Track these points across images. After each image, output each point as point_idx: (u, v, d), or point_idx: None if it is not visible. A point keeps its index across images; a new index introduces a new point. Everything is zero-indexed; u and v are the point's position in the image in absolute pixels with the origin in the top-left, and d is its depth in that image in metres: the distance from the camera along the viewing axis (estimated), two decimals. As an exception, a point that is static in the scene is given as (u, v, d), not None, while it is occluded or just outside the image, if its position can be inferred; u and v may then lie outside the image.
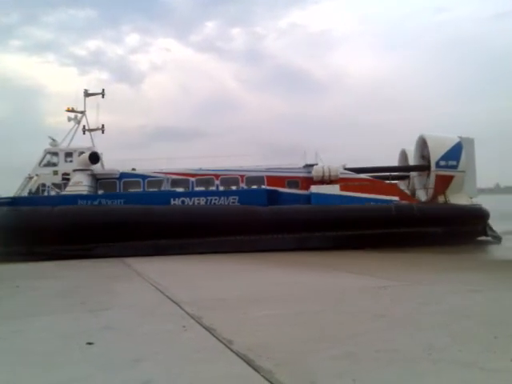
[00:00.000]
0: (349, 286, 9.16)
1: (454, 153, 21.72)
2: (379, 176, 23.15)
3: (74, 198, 20.07)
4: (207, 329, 5.73)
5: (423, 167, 23.01)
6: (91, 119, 24.23)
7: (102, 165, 23.39)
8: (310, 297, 8.09)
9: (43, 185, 21.62)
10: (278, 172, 22.17)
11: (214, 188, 21.85)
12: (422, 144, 22.91)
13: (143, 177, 22.06)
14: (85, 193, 20.86)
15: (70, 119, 23.58)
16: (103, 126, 24.42)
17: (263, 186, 21.47)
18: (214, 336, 5.40)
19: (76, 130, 23.69)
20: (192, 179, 21.99)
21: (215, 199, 20.39)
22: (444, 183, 21.69)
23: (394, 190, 21.61)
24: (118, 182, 22.02)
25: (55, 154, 22.50)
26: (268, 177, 21.90)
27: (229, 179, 22.08)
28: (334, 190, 20.76)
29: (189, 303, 7.44)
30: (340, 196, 20.57)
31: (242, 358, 4.52)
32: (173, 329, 5.86)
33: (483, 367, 4.11)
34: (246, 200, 20.13)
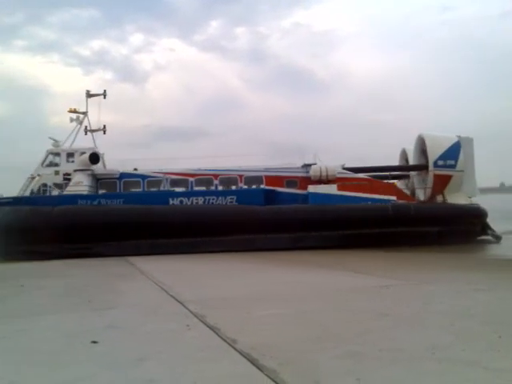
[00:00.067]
0: (352, 285, 9.17)
1: (452, 152, 21.78)
2: (379, 175, 23.23)
3: (74, 198, 20.33)
4: (211, 328, 5.74)
5: (421, 167, 23.11)
6: (94, 119, 24.42)
7: (104, 165, 23.73)
8: (313, 296, 8.09)
9: (44, 185, 21.93)
10: (276, 172, 22.40)
11: (213, 188, 22.00)
12: (421, 143, 22.94)
13: (143, 177, 22.37)
14: (85, 193, 21.13)
15: (72, 120, 23.92)
16: (105, 126, 24.76)
17: (262, 186, 21.59)
18: (218, 335, 5.40)
19: (78, 131, 24.09)
20: (191, 179, 22.24)
21: (213, 199, 20.61)
22: (442, 183, 21.74)
23: (392, 190, 21.67)
24: (118, 181, 22.30)
25: (57, 154, 22.86)
26: (267, 176, 22.10)
27: (228, 179, 22.31)
28: (331, 189, 20.94)
29: (192, 302, 7.45)
30: (337, 196, 20.72)
31: (245, 357, 4.53)
32: (176, 328, 5.87)
33: (487, 366, 4.10)
34: (243, 200, 20.34)
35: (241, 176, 22.20)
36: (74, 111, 24.04)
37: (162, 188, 21.90)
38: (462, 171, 21.73)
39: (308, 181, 21.67)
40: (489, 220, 22.26)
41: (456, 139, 22.08)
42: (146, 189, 22.17)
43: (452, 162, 21.67)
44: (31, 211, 19.00)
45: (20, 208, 19.58)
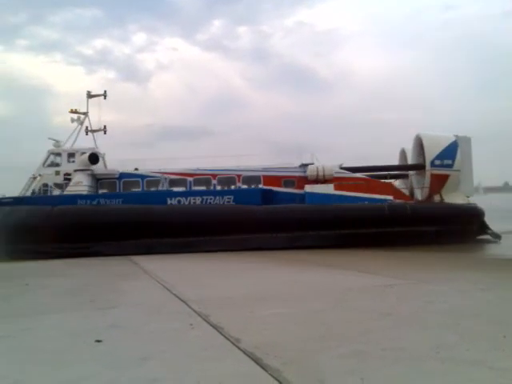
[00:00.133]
0: (354, 285, 9.14)
1: (450, 152, 21.78)
2: (378, 175, 23.28)
3: (74, 198, 20.58)
4: (214, 327, 5.74)
5: (418, 166, 23.15)
6: (96, 119, 24.60)
7: (105, 165, 24.01)
8: (315, 295, 8.08)
9: (45, 185, 22.21)
10: (274, 171, 22.54)
11: (211, 187, 22.23)
12: (419, 143, 22.96)
13: (142, 177, 22.62)
14: (85, 193, 21.39)
15: (73, 120, 24.22)
16: (105, 126, 25.02)
17: (260, 186, 21.74)
18: (222, 334, 5.41)
19: (79, 131, 24.32)
20: (190, 179, 22.47)
21: (211, 199, 20.74)
22: (439, 182, 21.75)
23: (389, 190, 21.69)
24: (117, 181, 22.52)
25: (58, 154, 23.13)
26: (265, 176, 22.26)
27: (226, 179, 22.51)
28: (328, 189, 21.05)
29: (196, 301, 7.45)
30: (334, 195, 20.85)
31: (249, 357, 4.53)
32: (180, 327, 5.87)
33: (492, 366, 4.09)
34: (240, 199, 20.48)
35: (239, 176, 22.36)
36: (75, 112, 24.27)
37: (160, 188, 22.05)
38: (459, 171, 21.74)
39: (305, 180, 21.80)
40: (490, 219, 22.23)
41: (453, 139, 22.08)
42: (145, 189, 22.39)
43: (449, 162, 21.68)
44: (30, 211, 19.22)
45: (20, 208, 19.83)
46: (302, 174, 22.15)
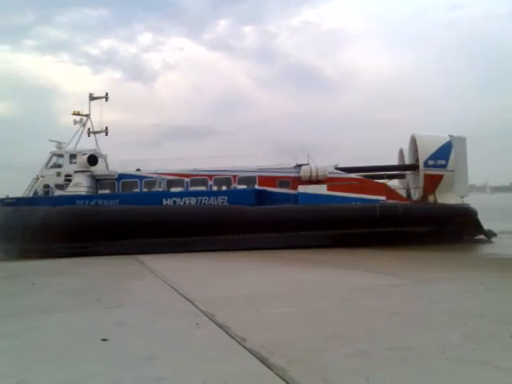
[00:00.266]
0: (359, 284, 9.12)
1: (443, 152, 21.73)
2: (375, 175, 23.34)
3: (73, 199, 21.09)
4: (221, 326, 5.76)
5: (412, 166, 23.19)
6: (98, 121, 24.90)
7: (107, 165, 24.46)
8: (320, 295, 8.07)
9: (47, 186, 22.67)
10: (269, 172, 22.74)
11: (207, 188, 22.47)
12: (414, 143, 22.95)
13: (140, 177, 23.01)
14: (83, 193, 21.80)
15: (75, 122, 24.59)
16: (107, 128, 25.38)
17: (256, 186, 21.94)
18: (228, 333, 5.42)
19: (82, 133, 24.67)
20: (187, 179, 22.73)
21: (205, 199, 21.01)
22: (433, 182, 21.72)
23: (382, 190, 21.69)
24: (116, 182, 22.90)
25: (60, 155, 23.62)
26: (260, 177, 22.46)
27: (222, 179, 22.77)
28: (321, 189, 21.17)
29: (202, 301, 7.47)
30: (327, 196, 20.93)
31: (255, 356, 4.54)
32: (186, 326, 5.89)
33: (498, 366, 4.07)
34: (234, 200, 20.70)
35: (235, 176, 22.59)
36: (78, 114, 24.66)
37: (158, 188, 22.36)
38: (453, 171, 21.67)
39: (299, 181, 21.87)
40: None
41: (447, 139, 22.02)
42: (143, 189, 22.75)
43: (443, 162, 21.62)
44: (30, 211, 19.70)
45: (20, 208, 20.46)
46: (296, 175, 22.32)
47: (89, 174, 22.64)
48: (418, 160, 22.27)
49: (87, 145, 24.54)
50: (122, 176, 23.03)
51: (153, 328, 5.91)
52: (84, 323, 6.32)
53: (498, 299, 7.36)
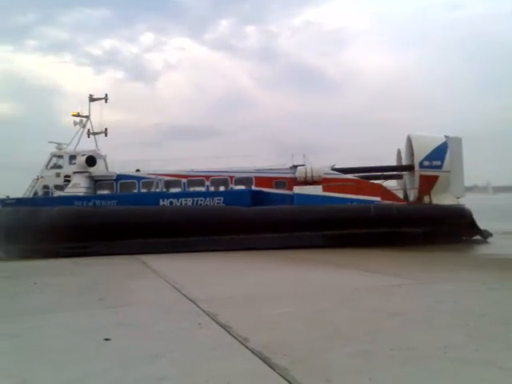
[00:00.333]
0: (361, 284, 9.11)
1: (439, 153, 21.71)
2: (372, 176, 23.36)
3: (71, 199, 21.25)
4: (223, 326, 5.76)
5: (408, 167, 23.21)
6: (99, 121, 25.03)
7: (106, 166, 24.78)
8: (323, 295, 8.07)
9: (46, 186, 22.92)
10: (266, 173, 22.77)
11: (204, 189, 22.61)
12: (410, 144, 22.94)
13: (138, 178, 23.13)
14: (81, 194, 21.94)
15: (75, 123, 24.74)
16: (106, 129, 25.48)
17: (253, 187, 22.06)
18: (230, 333, 5.42)
19: (82, 134, 24.84)
20: (184, 180, 22.84)
21: (201, 200, 21.09)
22: (428, 183, 21.68)
23: (378, 191, 21.66)
24: (114, 183, 23.07)
25: (60, 156, 23.80)
26: (256, 178, 22.52)
27: (219, 180, 22.87)
28: (316, 190, 21.17)
29: (204, 301, 7.48)
30: (322, 196, 20.94)
31: (257, 356, 4.54)
32: (189, 326, 5.89)
33: (501, 366, 4.07)
34: (230, 201, 20.80)
35: (231, 177, 22.68)
36: (78, 115, 24.83)
37: (155, 189, 22.55)
38: (448, 172, 21.63)
39: (295, 182, 21.98)
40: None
41: (443, 140, 21.98)
42: (141, 190, 22.89)
43: (438, 163, 21.57)
44: (29, 212, 19.92)
45: (19, 209, 20.73)
46: (292, 176, 22.35)
47: (87, 174, 22.81)
48: (414, 161, 22.30)
49: (88, 146, 24.70)
50: (120, 177, 23.18)
51: (155, 328, 5.92)
52: (86, 323, 6.33)
53: (500, 299, 7.35)
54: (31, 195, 23.00)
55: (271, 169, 22.95)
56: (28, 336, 5.75)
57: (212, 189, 22.53)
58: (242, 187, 22.24)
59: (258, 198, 21.16)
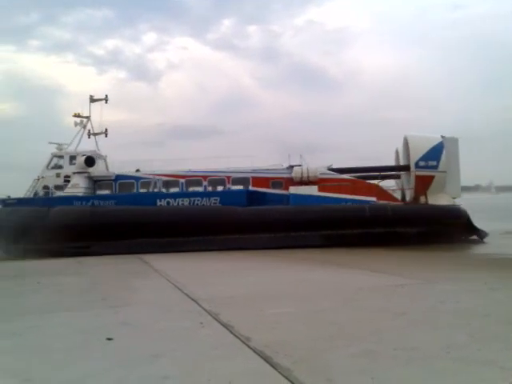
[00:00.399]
0: (364, 284, 9.10)
1: (435, 153, 21.74)
2: (370, 176, 23.40)
3: (70, 199, 21.41)
4: (225, 326, 5.77)
5: (404, 167, 23.26)
6: (99, 122, 25.18)
7: (107, 166, 25.09)
8: (325, 294, 8.07)
9: (46, 186, 23.11)
10: (262, 173, 22.89)
11: (202, 189, 22.75)
12: (406, 144, 22.94)
13: (137, 178, 23.33)
14: (80, 194, 22.14)
15: (76, 124, 24.91)
16: (106, 129, 25.64)
17: (250, 187, 22.20)
18: (232, 333, 5.43)
19: (83, 134, 25.05)
20: (182, 180, 23.01)
21: (198, 200, 21.21)
22: (424, 183, 21.72)
23: (373, 191, 21.67)
24: (113, 183, 23.24)
25: (61, 157, 24.02)
26: (253, 178, 22.63)
27: (216, 180, 23.02)
28: (312, 190, 21.29)
29: (206, 300, 7.48)
30: (318, 197, 21.04)
31: (259, 355, 4.54)
32: (190, 326, 5.90)
33: (503, 366, 4.06)
34: (226, 201, 20.90)
35: (228, 177, 22.79)
36: (78, 116, 24.98)
37: (153, 189, 22.71)
38: (444, 172, 21.64)
39: (292, 182, 22.04)
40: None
41: (439, 140, 21.99)
42: (140, 190, 23.05)
43: (434, 163, 21.61)
44: (29, 212, 20.08)
45: (19, 209, 20.98)
46: (289, 176, 22.45)
47: (86, 175, 22.97)
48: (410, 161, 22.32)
49: (89, 146, 24.88)
50: (118, 177, 23.35)
51: (157, 327, 5.93)
52: (89, 322, 6.33)
53: (502, 299, 7.35)
54: (32, 195, 23.18)
55: (268, 169, 23.07)
56: (30, 335, 5.76)
57: (210, 189, 22.66)
58: (240, 187, 22.36)
59: (254, 198, 21.26)
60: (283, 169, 22.97)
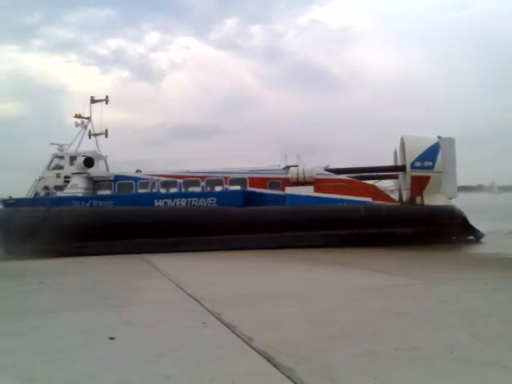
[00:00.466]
0: (366, 284, 9.10)
1: (430, 153, 21.67)
2: (366, 176, 23.42)
3: (70, 200, 21.53)
4: (227, 325, 5.77)
5: (400, 168, 23.27)
6: (99, 122, 25.27)
7: (107, 167, 25.33)
8: (327, 294, 8.07)
9: (46, 187, 23.26)
10: (260, 173, 22.92)
11: (199, 189, 22.84)
12: (403, 144, 22.93)
13: (135, 179, 23.39)
14: (80, 195, 22.24)
15: (77, 125, 24.99)
16: (106, 130, 25.71)
17: (247, 187, 22.24)
18: (234, 333, 5.43)
19: (83, 135, 25.06)
20: (180, 181, 23.07)
21: (195, 200, 21.27)
22: (420, 184, 21.63)
23: (369, 191, 21.65)
24: (113, 183, 23.35)
25: (61, 157, 24.11)
26: (250, 178, 22.66)
27: (213, 181, 23.06)
28: (307, 191, 21.29)
29: (208, 300, 7.48)
30: (313, 197, 21.05)
31: (262, 355, 4.54)
32: (193, 325, 5.90)
33: (507, 366, 4.06)
34: (223, 201, 20.95)
35: (226, 178, 22.84)
36: (79, 116, 25.03)
37: (151, 190, 22.81)
38: (440, 172, 21.59)
39: (289, 182, 22.09)
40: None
41: (435, 140, 21.95)
42: (138, 190, 23.12)
43: (429, 164, 21.53)
44: (29, 212, 20.12)
45: (19, 209, 21.09)
46: (286, 176, 22.47)
47: (86, 175, 23.05)
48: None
49: (90, 147, 24.94)
50: (117, 177, 23.44)
51: (160, 327, 5.93)
52: (91, 322, 6.34)
53: (504, 299, 7.34)
54: (32, 196, 23.28)
55: (265, 170, 23.12)
56: (33, 335, 5.77)
57: (208, 189, 22.75)
58: (237, 187, 22.42)
59: (251, 198, 21.29)
60: (280, 169, 23.01)
